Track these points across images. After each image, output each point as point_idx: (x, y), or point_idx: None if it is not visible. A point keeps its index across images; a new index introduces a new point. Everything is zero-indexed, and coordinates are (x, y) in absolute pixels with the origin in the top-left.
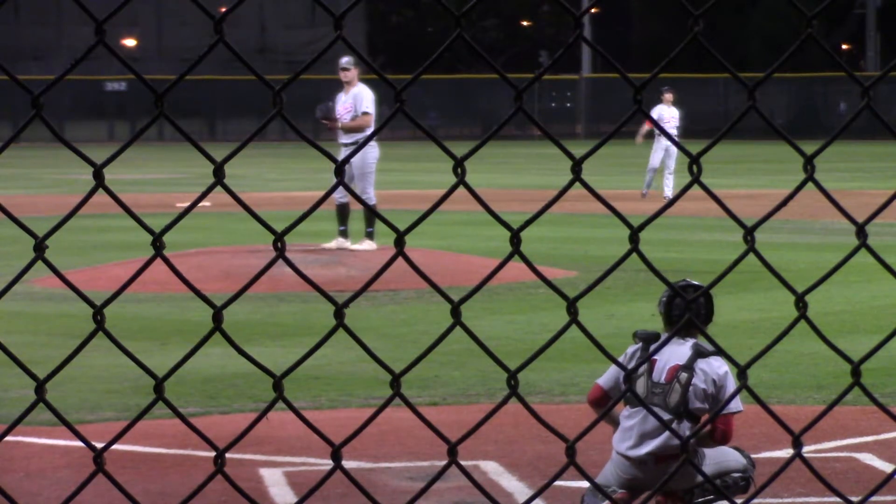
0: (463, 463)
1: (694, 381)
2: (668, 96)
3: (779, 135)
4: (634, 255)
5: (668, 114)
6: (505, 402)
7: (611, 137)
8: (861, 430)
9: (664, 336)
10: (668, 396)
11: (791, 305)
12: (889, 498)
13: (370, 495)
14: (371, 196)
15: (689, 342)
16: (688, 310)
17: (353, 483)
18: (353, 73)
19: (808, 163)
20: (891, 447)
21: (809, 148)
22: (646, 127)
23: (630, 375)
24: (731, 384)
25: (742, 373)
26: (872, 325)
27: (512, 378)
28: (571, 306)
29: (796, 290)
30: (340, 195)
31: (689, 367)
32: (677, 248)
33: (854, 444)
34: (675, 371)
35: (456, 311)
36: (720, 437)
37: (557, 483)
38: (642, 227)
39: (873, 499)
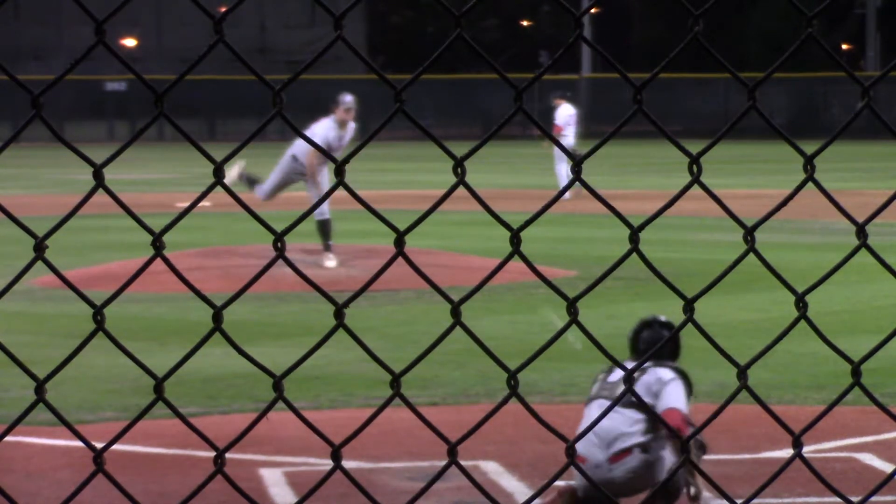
0: (463, 463)
1: (641, 378)
2: (558, 101)
3: (779, 135)
4: (634, 255)
5: (567, 112)
6: (505, 402)
7: (611, 137)
8: (861, 430)
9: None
10: (614, 391)
11: (791, 305)
12: (889, 498)
13: (370, 495)
14: (325, 211)
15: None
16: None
17: (353, 483)
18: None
19: (808, 163)
20: (891, 447)
21: (809, 148)
22: (554, 132)
23: (630, 376)
24: (674, 388)
25: (742, 373)
26: (872, 325)
27: (512, 378)
28: (571, 306)
29: (796, 290)
30: (321, 212)
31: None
32: (677, 248)
33: (854, 444)
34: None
35: (456, 311)
36: (670, 432)
37: (557, 483)
38: (642, 227)
39: (873, 499)
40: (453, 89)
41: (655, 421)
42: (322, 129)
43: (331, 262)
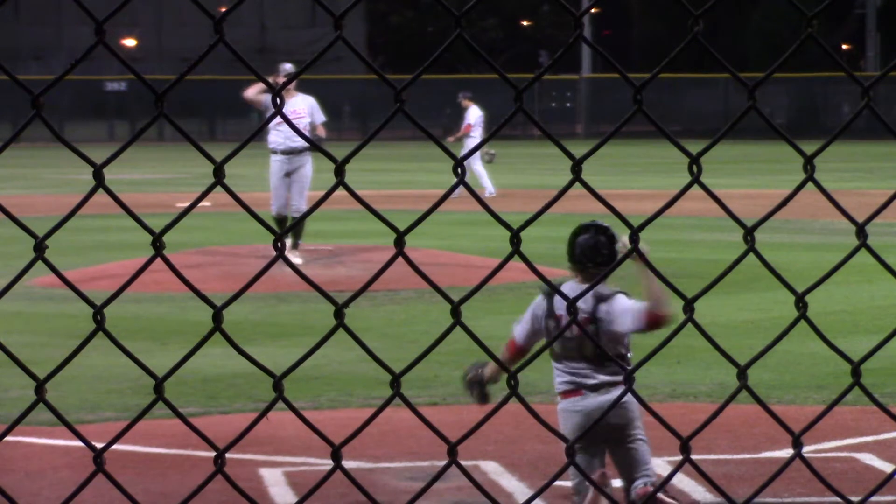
0: (463, 463)
1: (602, 329)
2: (467, 101)
3: (779, 135)
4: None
5: (476, 113)
6: (505, 402)
7: (611, 137)
8: (861, 430)
9: (569, 284)
10: (581, 348)
11: (791, 305)
12: (889, 498)
13: (370, 495)
14: (304, 208)
15: (598, 289)
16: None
17: (353, 483)
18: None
19: (808, 163)
20: (891, 447)
21: (809, 148)
22: (465, 130)
23: (630, 375)
24: (632, 305)
25: (742, 373)
26: (872, 325)
27: (512, 378)
28: (572, 306)
29: (796, 290)
30: (283, 210)
31: (592, 318)
32: (677, 248)
33: (854, 444)
34: (584, 324)
35: (456, 311)
36: (654, 325)
37: (557, 483)
38: (642, 227)
39: (873, 499)
40: (454, 89)
41: (625, 359)
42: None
43: (297, 258)
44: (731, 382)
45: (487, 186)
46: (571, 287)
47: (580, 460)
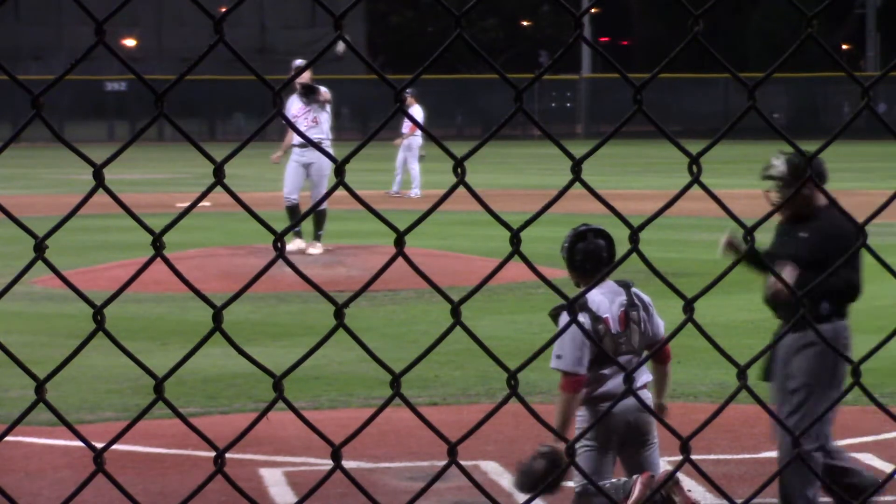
0: (463, 463)
1: (642, 314)
2: (411, 100)
3: (779, 135)
4: (634, 254)
5: (419, 113)
6: (505, 402)
7: (611, 137)
8: (861, 430)
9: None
10: (631, 340)
11: None
12: (889, 498)
13: (370, 495)
14: (323, 206)
15: (610, 283)
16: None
17: (353, 483)
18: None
19: (808, 163)
20: (891, 447)
21: (809, 148)
22: (410, 131)
23: (630, 375)
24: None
25: (742, 373)
26: (872, 325)
27: (512, 378)
28: (571, 306)
29: (796, 291)
30: (292, 196)
31: (631, 303)
32: (677, 248)
33: (854, 444)
34: (625, 314)
35: (456, 311)
36: (666, 356)
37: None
38: (642, 227)
39: (873, 499)
40: (454, 89)
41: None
42: (287, 104)
43: (315, 249)
44: (731, 382)
45: (415, 188)
46: (596, 292)
47: (594, 459)
